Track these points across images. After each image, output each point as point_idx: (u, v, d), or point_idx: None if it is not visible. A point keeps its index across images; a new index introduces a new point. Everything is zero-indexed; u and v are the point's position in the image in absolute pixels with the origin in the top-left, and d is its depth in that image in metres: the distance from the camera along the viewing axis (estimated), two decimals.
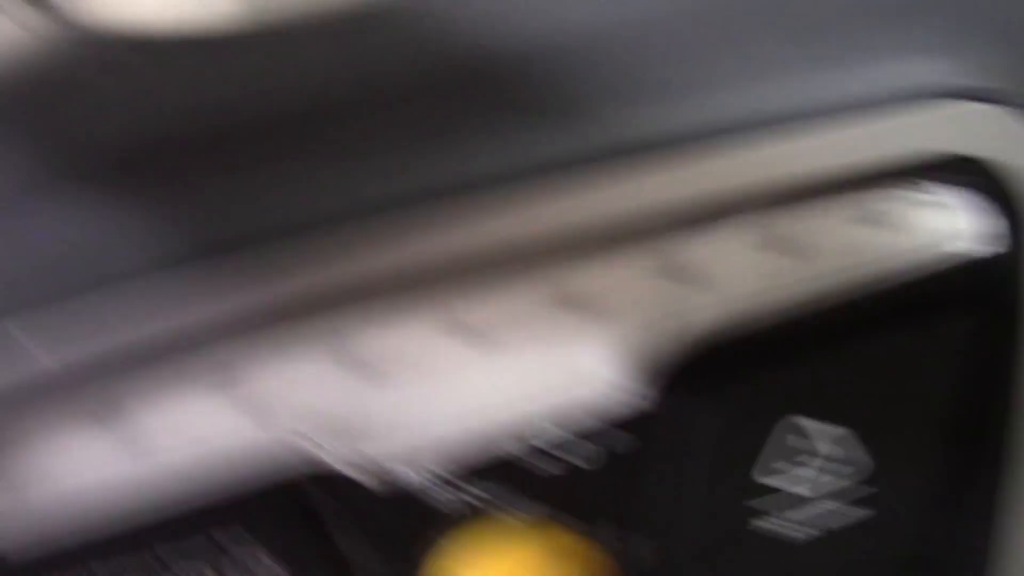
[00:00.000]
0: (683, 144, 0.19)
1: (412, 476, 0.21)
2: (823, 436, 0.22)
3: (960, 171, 0.20)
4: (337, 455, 0.20)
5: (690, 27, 0.18)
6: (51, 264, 0.18)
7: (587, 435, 0.21)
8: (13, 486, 0.20)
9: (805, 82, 0.19)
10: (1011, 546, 0.23)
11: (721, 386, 0.21)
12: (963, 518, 0.24)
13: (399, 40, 0.17)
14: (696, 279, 0.20)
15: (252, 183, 0.18)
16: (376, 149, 0.18)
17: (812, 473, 0.22)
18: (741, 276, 0.20)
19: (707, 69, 0.19)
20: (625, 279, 0.20)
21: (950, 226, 0.21)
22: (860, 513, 0.23)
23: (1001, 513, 0.23)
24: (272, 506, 0.21)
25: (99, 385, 0.19)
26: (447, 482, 0.21)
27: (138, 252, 0.18)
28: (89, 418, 0.19)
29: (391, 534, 0.21)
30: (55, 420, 0.19)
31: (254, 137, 0.18)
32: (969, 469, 0.23)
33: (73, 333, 0.18)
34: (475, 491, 0.21)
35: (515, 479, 0.21)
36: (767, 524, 0.23)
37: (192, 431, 0.20)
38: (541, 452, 0.21)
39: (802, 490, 0.22)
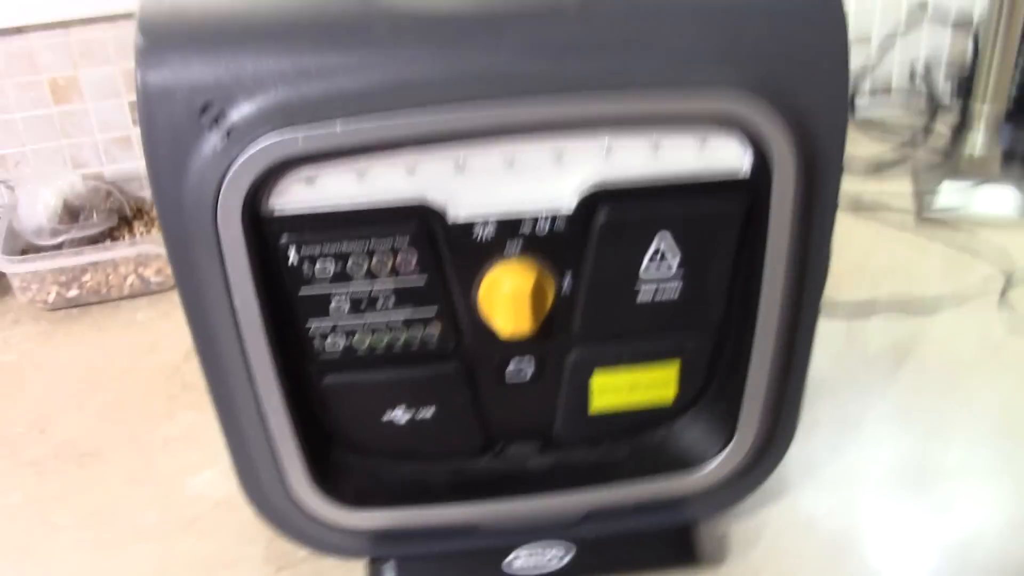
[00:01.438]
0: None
1: (482, 227, 0.45)
2: (662, 248, 0.47)
3: (727, 123, 0.45)
4: (448, 210, 0.45)
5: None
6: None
7: (555, 221, 0.46)
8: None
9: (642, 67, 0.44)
10: (763, 314, 0.48)
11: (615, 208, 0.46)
12: (737, 304, 0.49)
13: None
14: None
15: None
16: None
17: (661, 266, 0.47)
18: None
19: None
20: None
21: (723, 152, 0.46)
22: (675, 290, 0.48)
23: (754, 302, 0.48)
24: (414, 225, 0.45)
25: (355, 149, 0.44)
26: (499, 232, 0.46)
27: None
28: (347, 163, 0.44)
29: (466, 253, 0.46)
30: (333, 162, 0.44)
31: None
32: (739, 282, 0.48)
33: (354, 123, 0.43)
34: (509, 239, 0.46)
35: (524, 236, 0.46)
36: (643, 293, 0.48)
37: (388, 183, 0.45)
38: (535, 225, 0.46)
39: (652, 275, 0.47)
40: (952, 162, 0.92)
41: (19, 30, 0.83)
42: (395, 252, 0.46)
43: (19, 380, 0.74)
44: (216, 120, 0.43)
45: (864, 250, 0.85)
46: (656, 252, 0.47)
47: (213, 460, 0.65)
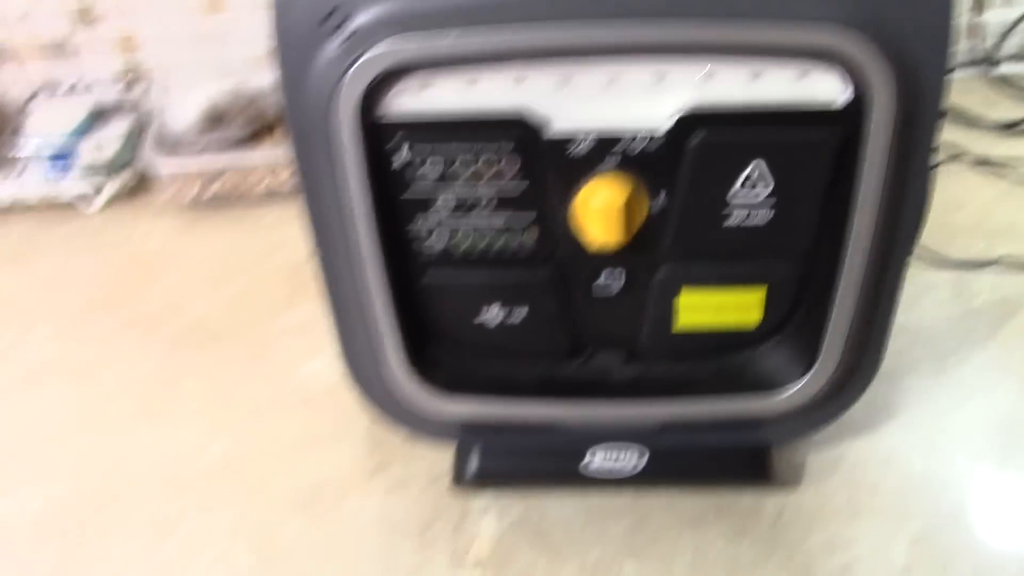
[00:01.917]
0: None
1: (582, 141, 0.48)
2: (755, 174, 0.48)
3: (827, 57, 0.46)
4: (550, 123, 0.48)
5: None
6: None
7: (652, 141, 0.48)
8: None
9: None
10: (852, 247, 0.49)
11: (711, 132, 0.48)
12: (827, 234, 0.50)
13: None
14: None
15: None
16: None
17: (754, 192, 0.49)
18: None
19: None
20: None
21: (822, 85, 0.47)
22: (767, 216, 0.49)
23: (845, 238, 0.49)
24: (517, 136, 0.48)
25: (464, 60, 0.47)
26: (597, 147, 0.48)
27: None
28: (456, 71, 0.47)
29: (565, 165, 0.48)
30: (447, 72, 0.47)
31: None
32: (830, 214, 0.49)
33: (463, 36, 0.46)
34: (606, 155, 0.48)
35: (621, 153, 0.48)
36: (734, 218, 0.49)
37: (494, 94, 0.47)
38: (632, 143, 0.48)
39: (744, 199, 0.49)
40: None
41: None
42: (497, 160, 0.49)
43: (161, 266, 0.81)
44: (338, 26, 0.47)
45: (985, 209, 0.84)
46: (748, 177, 0.49)
47: (325, 350, 0.70)
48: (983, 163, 0.89)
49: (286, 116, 0.49)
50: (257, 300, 0.76)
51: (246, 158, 0.87)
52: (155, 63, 0.95)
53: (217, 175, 0.87)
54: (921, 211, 0.51)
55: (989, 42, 1.04)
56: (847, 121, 0.47)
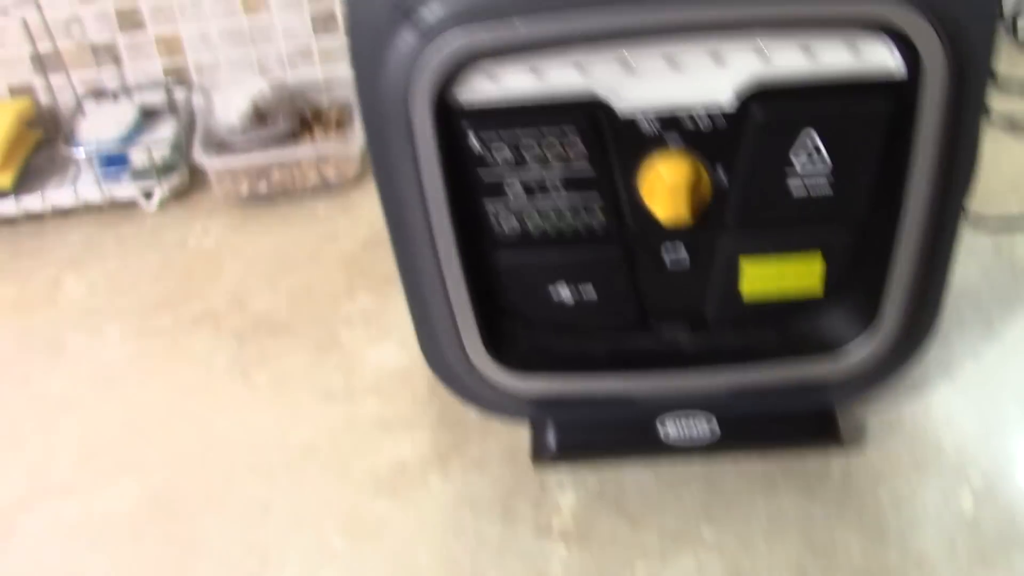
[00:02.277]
0: None
1: (645, 121, 0.50)
2: (814, 145, 0.50)
3: (878, 28, 0.47)
4: (615, 104, 0.50)
5: None
6: None
7: (712, 118, 0.50)
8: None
9: None
10: (910, 212, 0.51)
11: (770, 106, 0.49)
12: (883, 202, 0.52)
13: None
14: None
15: None
16: None
17: (813, 163, 0.50)
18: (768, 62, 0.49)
19: None
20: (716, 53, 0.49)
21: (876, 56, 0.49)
22: (825, 185, 0.51)
23: (902, 204, 0.51)
24: (583, 117, 0.50)
25: (531, 46, 0.49)
26: (660, 126, 0.50)
27: None
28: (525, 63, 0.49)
29: (630, 144, 0.50)
30: (511, 62, 0.49)
31: None
32: (887, 181, 0.51)
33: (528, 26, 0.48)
34: (669, 133, 0.50)
35: (683, 130, 0.50)
36: (794, 188, 0.51)
37: (561, 78, 0.49)
38: (693, 121, 0.50)
39: (803, 170, 0.51)
40: None
41: None
42: (566, 142, 0.51)
43: (219, 262, 0.83)
44: (410, 16, 0.49)
45: (1018, 169, 0.85)
46: (808, 148, 0.50)
47: (390, 335, 0.73)
48: (1013, 125, 0.91)
49: (360, 104, 0.51)
50: (318, 291, 0.79)
51: (292, 153, 0.89)
52: (197, 64, 0.97)
53: (265, 171, 0.89)
54: (973, 173, 0.53)
55: (1010, 2, 1.05)
56: (902, 91, 0.49)
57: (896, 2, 0.46)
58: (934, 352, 0.66)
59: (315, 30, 0.96)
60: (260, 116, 0.93)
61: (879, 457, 0.60)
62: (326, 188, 0.91)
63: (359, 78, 0.50)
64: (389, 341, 0.72)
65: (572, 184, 0.52)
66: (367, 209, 0.88)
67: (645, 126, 0.50)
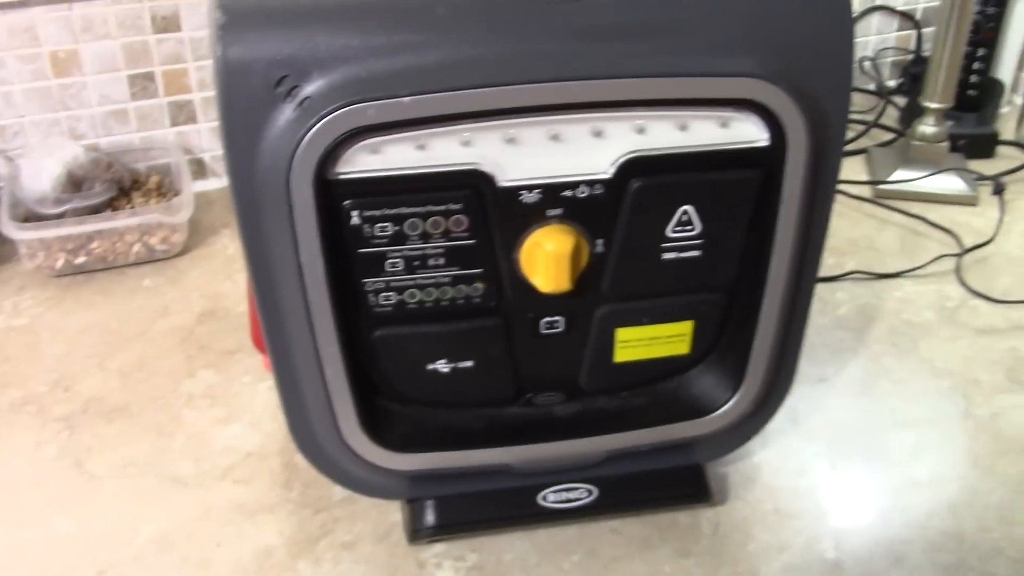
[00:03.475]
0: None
1: (528, 193, 0.50)
2: (688, 214, 0.52)
3: (748, 108, 0.51)
4: (498, 176, 0.50)
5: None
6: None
7: (592, 190, 0.51)
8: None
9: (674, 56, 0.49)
10: (774, 275, 0.54)
11: (646, 177, 0.51)
12: (748, 267, 0.54)
13: None
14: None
15: None
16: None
17: (686, 231, 0.53)
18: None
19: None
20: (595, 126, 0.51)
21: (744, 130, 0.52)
22: (696, 252, 0.53)
23: (765, 264, 0.54)
24: (467, 190, 0.50)
25: (417, 121, 0.48)
26: (542, 198, 0.50)
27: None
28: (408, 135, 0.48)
29: (512, 216, 0.51)
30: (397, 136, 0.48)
31: None
32: (754, 246, 0.54)
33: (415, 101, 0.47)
34: (550, 205, 0.51)
35: (564, 202, 0.51)
36: (668, 256, 0.53)
37: (445, 152, 0.49)
38: (574, 191, 0.51)
39: (677, 239, 0.53)
40: (903, 149, 0.99)
41: (22, 3, 0.85)
42: (448, 215, 0.50)
43: (34, 343, 0.77)
44: (291, 92, 0.47)
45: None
46: (682, 215, 0.52)
47: (239, 415, 0.69)
48: None
49: (232, 176, 0.48)
50: (153, 369, 0.74)
51: (116, 222, 0.83)
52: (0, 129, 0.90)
53: (85, 241, 0.83)
54: (826, 234, 0.56)
55: None
56: (768, 161, 0.51)
57: (761, 80, 0.49)
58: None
59: (133, 94, 0.91)
60: (75, 183, 0.87)
61: (743, 507, 0.62)
62: (152, 258, 0.86)
63: (232, 155, 0.48)
64: (238, 421, 0.68)
65: (454, 257, 0.52)
66: (198, 280, 0.84)
67: (527, 197, 0.51)
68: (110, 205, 0.88)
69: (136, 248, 0.85)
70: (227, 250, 0.87)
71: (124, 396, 0.71)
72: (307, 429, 0.56)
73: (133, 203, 0.89)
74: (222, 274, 0.84)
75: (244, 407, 0.70)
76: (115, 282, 0.84)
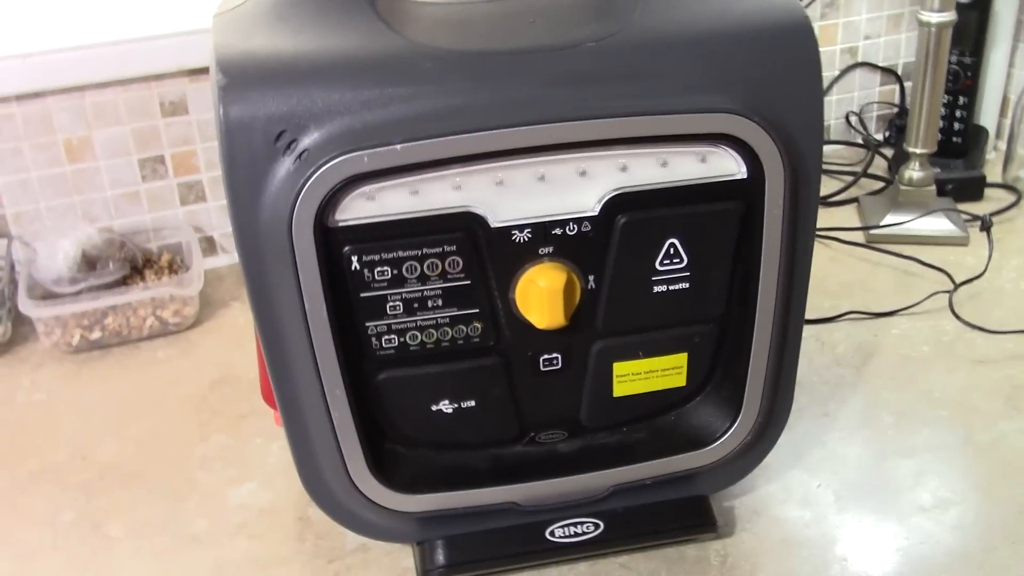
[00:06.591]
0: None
1: (519, 232, 0.53)
2: (674, 247, 0.54)
3: (725, 142, 0.53)
4: (489, 218, 0.52)
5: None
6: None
7: (580, 227, 0.53)
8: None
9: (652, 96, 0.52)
10: (762, 304, 0.56)
11: (632, 212, 0.53)
12: (737, 297, 0.56)
13: None
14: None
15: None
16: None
17: (674, 264, 0.55)
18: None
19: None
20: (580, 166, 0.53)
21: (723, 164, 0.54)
22: (685, 285, 0.55)
23: (753, 293, 0.56)
24: (460, 232, 0.52)
25: (410, 168, 0.51)
26: (532, 237, 0.53)
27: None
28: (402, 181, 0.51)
29: (505, 256, 0.53)
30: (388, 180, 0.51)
31: None
32: (741, 276, 0.56)
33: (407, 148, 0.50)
34: (541, 243, 0.53)
35: (554, 240, 0.53)
36: (657, 288, 0.55)
37: (438, 196, 0.51)
38: (563, 229, 0.53)
39: (666, 271, 0.55)
40: (893, 195, 1.02)
41: (37, 94, 0.89)
42: (444, 256, 0.53)
43: (52, 416, 0.79)
44: (289, 146, 0.50)
45: (822, 271, 0.94)
46: (669, 249, 0.55)
47: (252, 474, 0.70)
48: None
49: (237, 229, 0.51)
50: (167, 436, 0.75)
51: (129, 296, 0.86)
52: (16, 215, 0.93)
53: (99, 317, 0.86)
54: (810, 263, 0.58)
55: None
56: (747, 192, 0.54)
57: (738, 116, 0.51)
58: (783, 438, 0.70)
59: (144, 176, 0.95)
60: (90, 263, 0.90)
61: (750, 539, 0.63)
62: (164, 331, 0.88)
63: (237, 209, 0.50)
64: (252, 480, 0.70)
65: (451, 297, 0.54)
66: (209, 350, 0.86)
67: (519, 236, 0.53)
68: (124, 283, 0.91)
69: (149, 322, 0.87)
70: (237, 321, 0.90)
71: (140, 462, 0.73)
72: (317, 475, 0.57)
73: (146, 280, 0.92)
74: (233, 344, 0.86)
75: (256, 466, 0.71)
76: (129, 355, 0.86)
